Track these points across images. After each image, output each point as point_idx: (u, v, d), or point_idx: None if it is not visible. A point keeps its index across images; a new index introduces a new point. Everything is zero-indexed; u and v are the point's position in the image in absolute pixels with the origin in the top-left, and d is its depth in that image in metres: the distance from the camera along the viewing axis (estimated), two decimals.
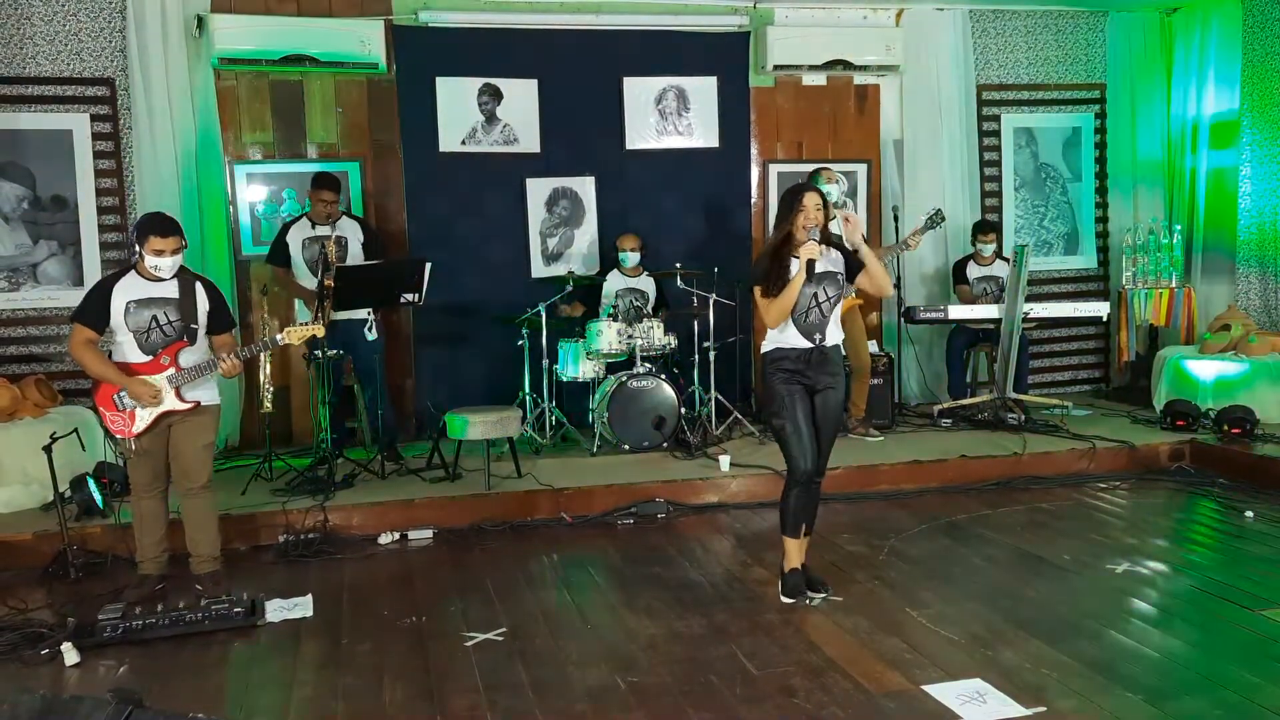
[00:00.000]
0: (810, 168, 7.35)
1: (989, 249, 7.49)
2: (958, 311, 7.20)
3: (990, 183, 8.28)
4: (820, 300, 4.13)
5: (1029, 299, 7.07)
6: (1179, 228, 7.88)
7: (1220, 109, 8.02)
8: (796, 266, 4.08)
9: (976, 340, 7.56)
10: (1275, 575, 4.41)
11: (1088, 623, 3.91)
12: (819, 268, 4.07)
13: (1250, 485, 5.80)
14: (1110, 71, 8.36)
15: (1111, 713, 3.17)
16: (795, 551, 4.24)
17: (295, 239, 6.25)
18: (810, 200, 4.07)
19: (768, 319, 4.16)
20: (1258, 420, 6.31)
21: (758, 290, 4.16)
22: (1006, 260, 7.43)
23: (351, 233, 6.27)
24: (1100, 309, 7.37)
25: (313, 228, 6.23)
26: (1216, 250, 8.11)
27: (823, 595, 4.20)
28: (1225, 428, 6.32)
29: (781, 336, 4.17)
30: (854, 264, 4.21)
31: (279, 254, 6.29)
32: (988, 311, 7.13)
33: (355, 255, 6.23)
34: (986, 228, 7.55)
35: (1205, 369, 6.92)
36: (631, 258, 6.95)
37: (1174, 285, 7.64)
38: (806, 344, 4.14)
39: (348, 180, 6.93)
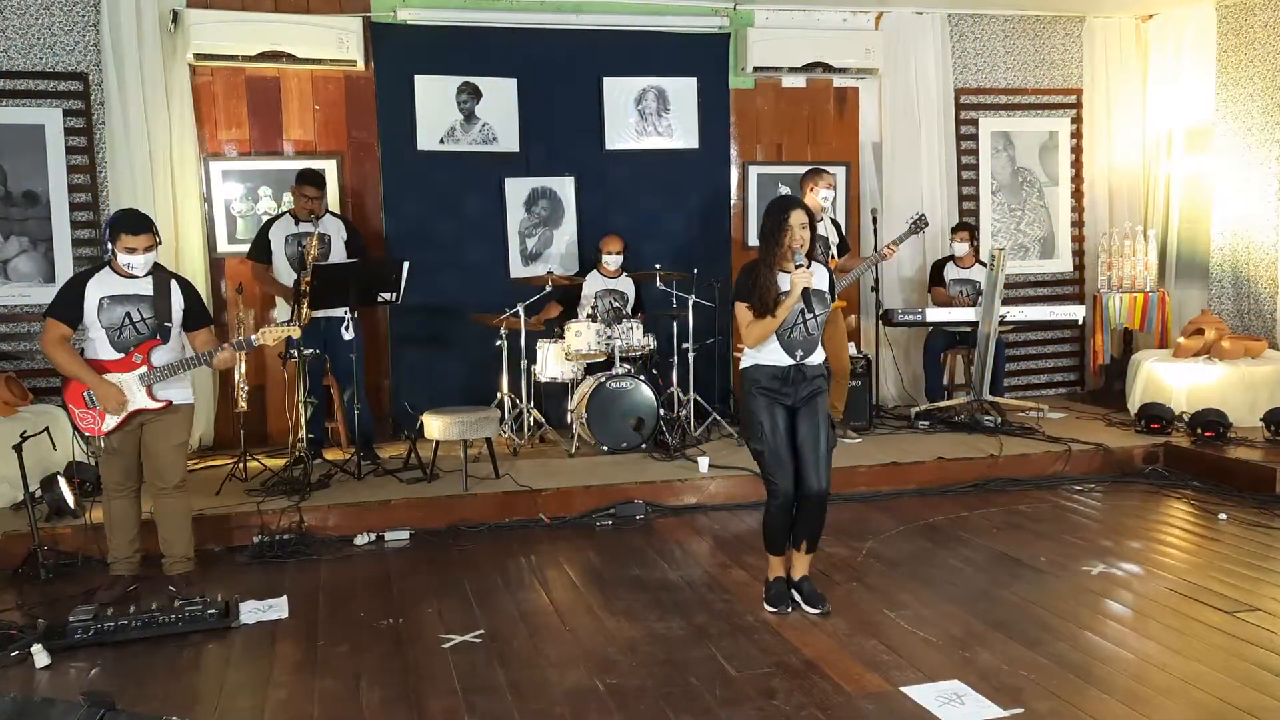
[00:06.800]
0: (790, 170, 7.39)
1: (962, 247, 7.53)
2: (935, 314, 7.23)
3: (968, 186, 8.32)
4: (806, 318, 4.02)
5: (1005, 302, 7.11)
6: (1153, 232, 7.95)
7: (1195, 115, 8.10)
8: (784, 285, 3.98)
9: (954, 343, 7.59)
10: (1248, 577, 4.45)
11: (1064, 624, 3.94)
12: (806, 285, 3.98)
13: (1223, 488, 5.86)
14: (1087, 77, 8.43)
15: (1088, 714, 3.18)
16: (779, 564, 4.18)
17: (277, 235, 6.23)
18: (796, 219, 3.97)
19: (748, 340, 4.04)
20: (1230, 423, 6.37)
21: (742, 307, 4.03)
22: (984, 264, 7.47)
23: (335, 230, 6.25)
24: (1076, 312, 7.43)
25: (296, 224, 6.21)
26: (1190, 255, 8.20)
27: (819, 611, 4.08)
28: (1199, 430, 6.38)
29: (760, 353, 4.06)
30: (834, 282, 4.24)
31: (261, 250, 6.27)
32: (965, 314, 7.17)
33: (338, 253, 6.21)
34: (959, 227, 7.60)
35: (1179, 373, 6.99)
36: (615, 260, 6.94)
37: (1148, 289, 7.72)
38: (787, 361, 4.03)
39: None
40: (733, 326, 7.52)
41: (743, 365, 4.17)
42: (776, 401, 4.04)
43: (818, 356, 4.12)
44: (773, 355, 4.05)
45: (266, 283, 6.34)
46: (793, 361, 4.03)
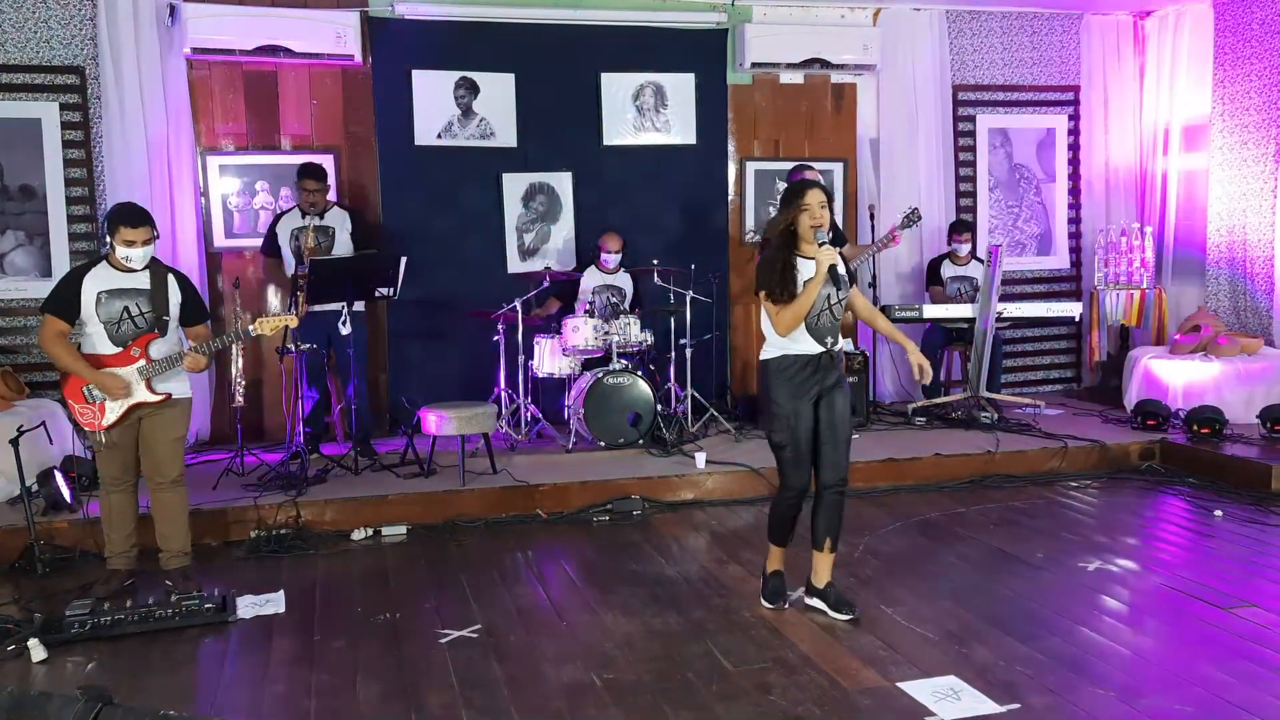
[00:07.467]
0: (788, 166, 7.38)
1: (964, 249, 7.53)
2: (932, 311, 7.23)
3: (965, 183, 8.32)
4: (832, 302, 3.93)
5: (1002, 299, 7.11)
6: (1150, 229, 7.96)
7: (1191, 112, 8.11)
8: (805, 270, 3.89)
9: (951, 339, 7.59)
10: (1244, 573, 4.47)
11: (1060, 620, 3.94)
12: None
13: (1219, 484, 5.87)
14: (1084, 73, 8.43)
15: (1083, 709, 3.19)
16: (779, 556, 4.17)
17: (284, 230, 6.26)
18: (814, 198, 3.88)
19: (779, 327, 3.90)
20: (1226, 420, 6.38)
21: (766, 296, 3.93)
22: (981, 261, 7.48)
23: (339, 223, 6.26)
24: (1072, 309, 7.44)
25: (303, 218, 6.21)
26: (1187, 252, 8.21)
27: (849, 618, 3.97)
28: (1195, 427, 6.39)
29: (789, 343, 3.93)
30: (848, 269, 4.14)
31: (271, 246, 6.28)
32: (962, 311, 7.18)
33: (343, 245, 6.21)
34: (962, 227, 7.58)
35: (1175, 369, 7.00)
36: (614, 259, 6.93)
37: (1145, 286, 7.73)
38: (818, 349, 3.92)
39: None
40: (730, 323, 7.56)
41: (767, 356, 4.01)
42: (803, 394, 3.93)
43: (839, 341, 4.02)
44: (802, 344, 3.93)
45: (277, 277, 6.36)
46: (822, 348, 3.93)
